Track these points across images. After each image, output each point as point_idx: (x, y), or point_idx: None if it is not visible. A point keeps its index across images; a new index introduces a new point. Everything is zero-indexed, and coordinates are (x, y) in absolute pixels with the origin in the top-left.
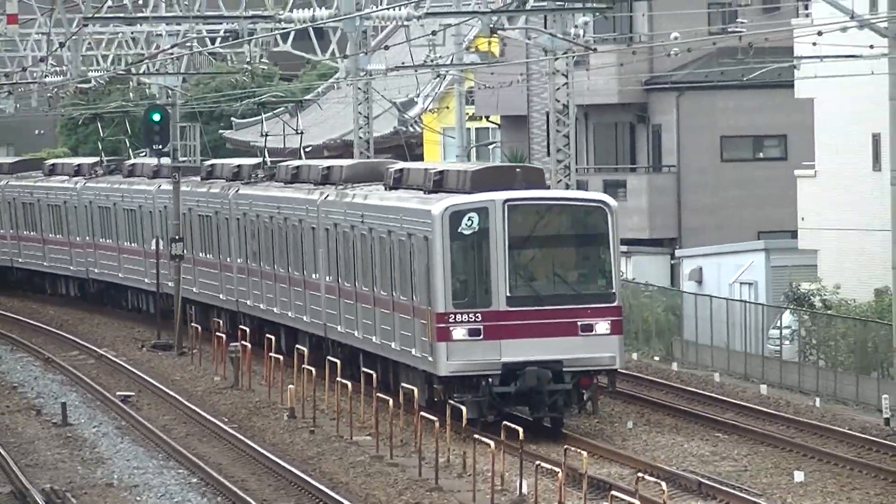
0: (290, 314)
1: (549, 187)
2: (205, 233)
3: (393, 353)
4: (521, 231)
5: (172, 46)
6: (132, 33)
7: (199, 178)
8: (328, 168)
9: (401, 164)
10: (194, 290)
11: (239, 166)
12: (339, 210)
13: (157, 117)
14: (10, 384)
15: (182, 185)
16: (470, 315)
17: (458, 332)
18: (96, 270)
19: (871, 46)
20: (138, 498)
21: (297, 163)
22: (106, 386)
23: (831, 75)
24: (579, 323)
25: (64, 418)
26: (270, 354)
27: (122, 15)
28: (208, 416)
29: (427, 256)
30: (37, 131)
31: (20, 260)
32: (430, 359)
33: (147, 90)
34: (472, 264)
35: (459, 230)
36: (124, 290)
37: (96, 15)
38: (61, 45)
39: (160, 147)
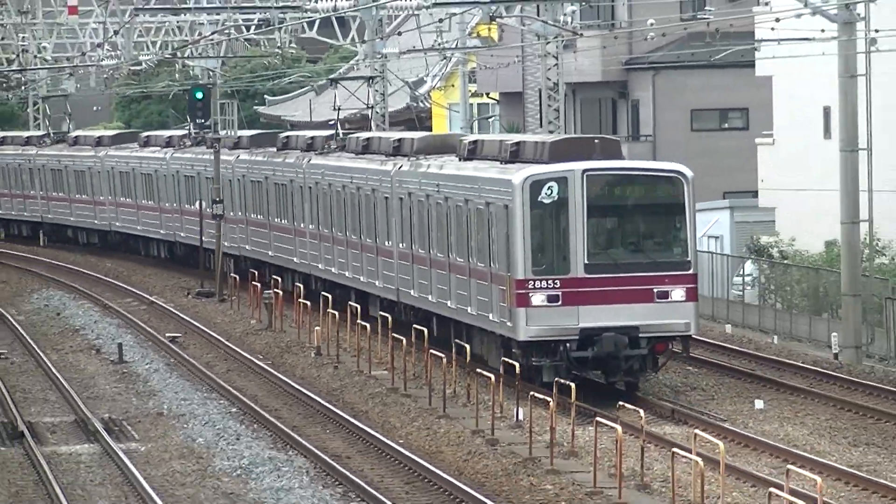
0: (361, 278)
1: (624, 158)
2: (280, 200)
3: (468, 318)
4: (599, 200)
5: (212, 33)
6: (177, 22)
7: (274, 149)
8: (399, 140)
9: (474, 136)
10: (269, 253)
11: (312, 138)
12: (413, 180)
13: (199, 95)
14: (73, 327)
15: (258, 156)
16: (549, 282)
17: (537, 299)
18: (182, 235)
19: (823, 31)
20: (185, 425)
21: (367, 135)
22: (156, 328)
23: (787, 56)
24: (655, 290)
25: (120, 357)
26: (300, 300)
27: (168, 6)
28: (245, 354)
29: (506, 225)
30: (94, 108)
31: (118, 224)
32: (508, 324)
33: (190, 72)
34: (551, 233)
35: (539, 199)
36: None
37: (146, 6)
38: (115, 32)
39: (203, 121)
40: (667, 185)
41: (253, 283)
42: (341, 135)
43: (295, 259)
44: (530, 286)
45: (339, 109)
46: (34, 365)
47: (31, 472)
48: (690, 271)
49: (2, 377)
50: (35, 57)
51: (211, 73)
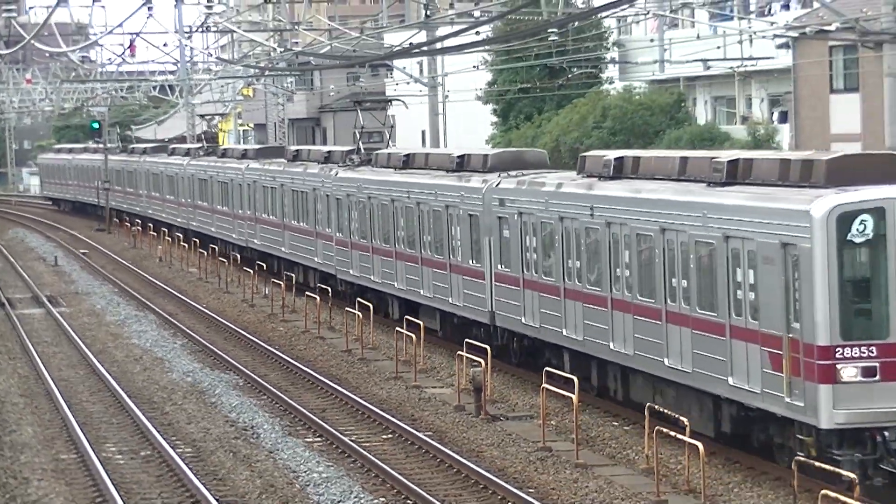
0: (451, 300)
1: None
2: (299, 206)
3: (703, 382)
4: None
5: (103, 92)
6: (84, 87)
7: (284, 160)
8: (463, 156)
9: (629, 152)
10: (283, 249)
11: (329, 152)
12: (532, 199)
13: (95, 126)
14: (30, 247)
15: (270, 165)
16: (862, 349)
17: (848, 372)
18: (317, 260)
19: (420, 91)
20: (90, 299)
21: (405, 150)
22: (75, 247)
23: (404, 103)
24: None
25: (55, 262)
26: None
27: (79, 79)
28: (121, 260)
29: (790, 270)
30: (40, 132)
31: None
32: (795, 403)
33: (91, 112)
34: (864, 283)
35: (849, 237)
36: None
37: (67, 79)
38: (51, 92)
39: (98, 139)
40: None
41: (125, 223)
42: (363, 150)
43: (317, 259)
44: (838, 355)
45: (361, 129)
46: (10, 267)
47: (9, 323)
48: None
49: None
50: (8, 105)
51: (101, 113)
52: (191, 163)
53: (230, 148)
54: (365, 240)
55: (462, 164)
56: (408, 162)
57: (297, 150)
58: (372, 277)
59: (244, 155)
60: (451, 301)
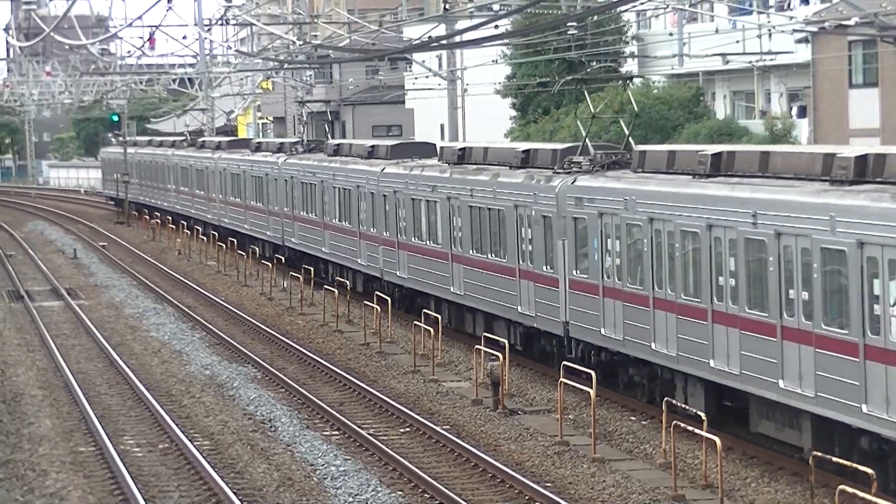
0: (507, 306)
1: None
2: (342, 202)
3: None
4: None
5: (122, 85)
6: (103, 79)
7: (324, 154)
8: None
9: (726, 147)
10: (324, 249)
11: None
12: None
13: (115, 118)
14: (49, 240)
15: (310, 160)
16: None
17: None
18: (363, 261)
19: (439, 84)
20: (109, 291)
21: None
22: (94, 240)
23: (421, 98)
24: None
25: (75, 255)
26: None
27: (99, 71)
28: (139, 253)
29: None
30: (60, 125)
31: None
32: None
33: (111, 105)
34: None
35: None
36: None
37: (87, 71)
38: (71, 85)
39: (118, 132)
40: None
41: (145, 216)
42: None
43: (360, 261)
44: None
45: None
46: (29, 259)
47: (28, 316)
48: None
49: (13, 266)
50: (28, 97)
51: (120, 106)
52: (222, 157)
53: (265, 141)
54: (417, 240)
55: (527, 160)
56: (463, 157)
57: (337, 145)
58: (452, 289)
59: (280, 149)
60: (512, 308)
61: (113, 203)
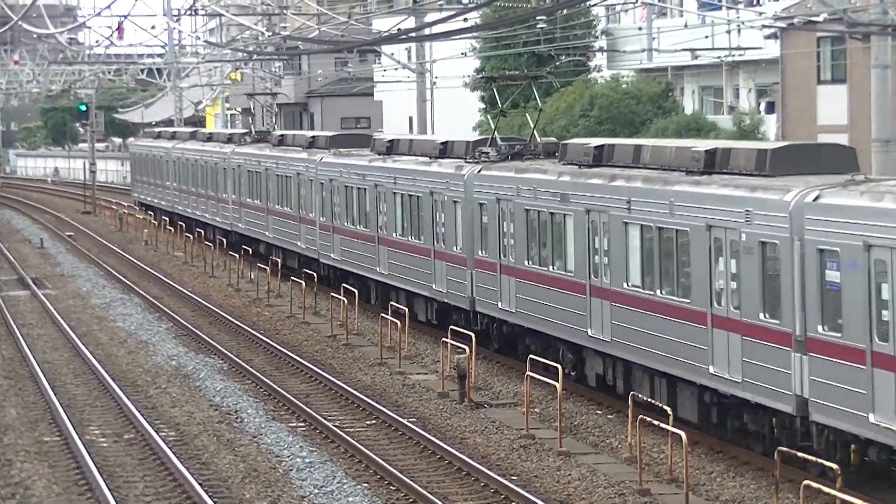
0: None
1: None
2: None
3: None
4: None
5: (90, 74)
6: (71, 69)
7: (366, 150)
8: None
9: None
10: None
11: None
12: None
13: (83, 108)
14: (16, 229)
15: (346, 159)
16: None
17: None
18: (302, 244)
19: (408, 77)
20: (75, 281)
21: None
22: (61, 230)
23: (390, 90)
24: None
25: (41, 244)
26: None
27: (67, 60)
28: (106, 243)
29: None
30: (27, 114)
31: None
32: None
33: (78, 95)
34: None
35: None
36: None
37: (56, 60)
38: (38, 73)
39: (86, 122)
40: None
41: (112, 206)
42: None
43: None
44: None
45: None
46: None
47: None
48: None
49: None
50: None
51: (88, 96)
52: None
53: (287, 134)
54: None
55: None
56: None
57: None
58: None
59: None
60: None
61: (153, 215)
